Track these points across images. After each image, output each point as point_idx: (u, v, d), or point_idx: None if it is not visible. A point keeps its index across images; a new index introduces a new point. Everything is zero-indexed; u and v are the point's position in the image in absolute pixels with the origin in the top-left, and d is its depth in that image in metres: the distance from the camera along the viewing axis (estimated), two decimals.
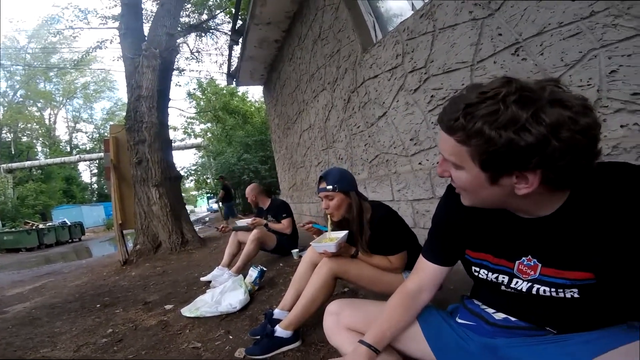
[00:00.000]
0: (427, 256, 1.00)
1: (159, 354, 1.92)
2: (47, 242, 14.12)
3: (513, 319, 0.88)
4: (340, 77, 3.67)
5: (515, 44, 1.73)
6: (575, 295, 0.73)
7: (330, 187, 1.66)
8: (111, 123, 18.78)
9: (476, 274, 0.91)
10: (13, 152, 24.74)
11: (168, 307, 2.75)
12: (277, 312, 1.81)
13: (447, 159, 0.74)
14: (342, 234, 1.65)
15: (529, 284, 0.79)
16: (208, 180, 18.55)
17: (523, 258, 0.80)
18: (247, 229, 3.35)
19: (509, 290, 0.84)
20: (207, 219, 18.96)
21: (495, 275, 0.85)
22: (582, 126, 0.58)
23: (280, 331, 1.63)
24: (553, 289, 0.76)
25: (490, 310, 0.93)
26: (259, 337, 1.72)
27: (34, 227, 14.21)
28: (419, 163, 2.54)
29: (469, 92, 0.66)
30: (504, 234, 0.82)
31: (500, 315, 0.90)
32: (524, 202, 0.72)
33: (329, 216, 1.74)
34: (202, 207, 39.00)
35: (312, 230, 1.87)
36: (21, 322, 3.00)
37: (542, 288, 0.77)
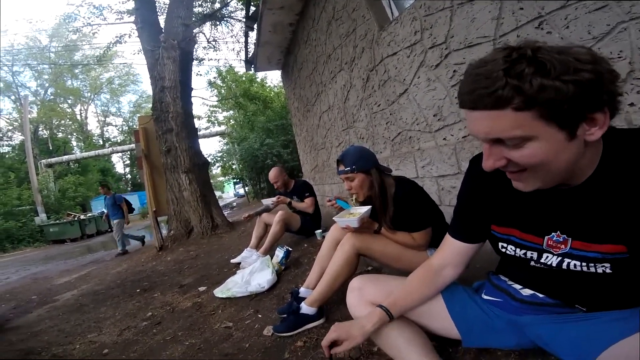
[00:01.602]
0: (451, 232, 0.99)
1: (194, 334, 2.04)
2: (88, 233, 14.90)
3: (541, 295, 0.85)
4: (357, 57, 3.60)
5: (538, 18, 1.65)
6: (607, 271, 0.69)
7: (348, 168, 1.64)
8: (138, 115, 19.29)
9: (503, 250, 0.87)
10: (51, 148, 26.03)
11: (202, 288, 2.91)
12: (302, 291, 1.87)
13: (504, 139, 0.62)
14: (365, 209, 1.64)
15: (559, 258, 0.75)
16: (234, 166, 18.91)
17: (553, 234, 0.76)
18: (268, 209, 3.53)
19: (538, 265, 0.80)
20: (234, 204, 19.45)
21: (524, 251, 0.82)
22: (602, 57, 0.57)
23: (305, 308, 1.69)
24: (584, 264, 0.72)
25: (517, 286, 0.90)
26: (285, 315, 1.77)
27: (76, 219, 15.03)
28: (444, 139, 2.50)
29: (485, 64, 0.59)
30: (531, 208, 0.78)
31: (527, 292, 0.88)
32: (583, 159, 0.65)
33: (354, 196, 1.73)
34: (229, 192, 39.90)
35: (337, 207, 1.89)
36: (70, 309, 3.26)
37: (572, 262, 0.74)
